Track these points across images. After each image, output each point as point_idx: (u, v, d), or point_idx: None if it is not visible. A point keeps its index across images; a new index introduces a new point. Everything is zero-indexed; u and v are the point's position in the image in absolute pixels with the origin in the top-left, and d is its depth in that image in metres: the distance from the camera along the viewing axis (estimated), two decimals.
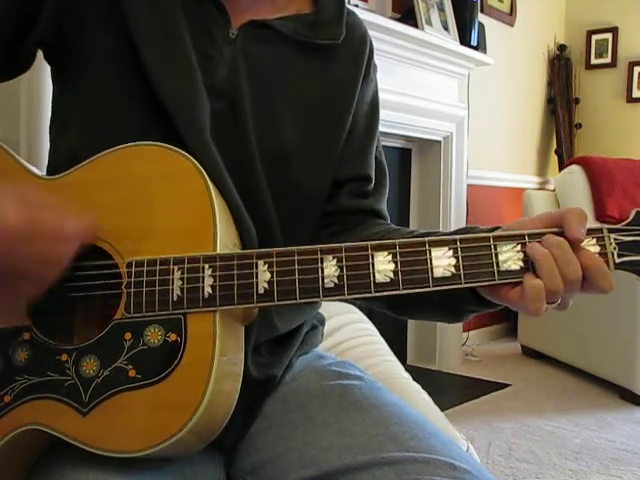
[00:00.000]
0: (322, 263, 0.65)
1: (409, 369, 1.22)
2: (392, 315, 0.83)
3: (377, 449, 0.71)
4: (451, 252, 0.65)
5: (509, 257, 0.64)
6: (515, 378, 3.14)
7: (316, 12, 0.87)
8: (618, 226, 0.65)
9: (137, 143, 0.71)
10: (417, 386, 1.13)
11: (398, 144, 3.29)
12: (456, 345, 3.43)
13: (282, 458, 0.75)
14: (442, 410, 1.09)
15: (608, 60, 4.41)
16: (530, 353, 3.53)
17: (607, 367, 2.95)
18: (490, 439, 2.38)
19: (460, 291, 0.71)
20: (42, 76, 1.67)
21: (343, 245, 0.66)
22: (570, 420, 2.59)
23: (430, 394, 1.11)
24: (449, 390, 3.08)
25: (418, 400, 1.06)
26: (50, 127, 0.86)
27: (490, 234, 0.65)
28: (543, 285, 0.63)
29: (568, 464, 2.18)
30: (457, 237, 0.65)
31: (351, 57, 0.88)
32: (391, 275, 0.65)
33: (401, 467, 0.68)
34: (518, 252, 0.64)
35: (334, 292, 0.65)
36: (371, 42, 0.92)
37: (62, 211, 0.65)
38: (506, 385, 3.04)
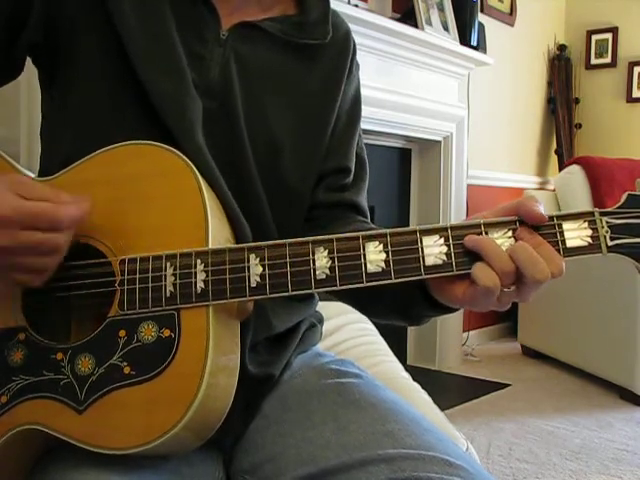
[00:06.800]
0: (313, 255, 0.65)
1: (409, 369, 1.22)
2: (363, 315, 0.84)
3: (373, 446, 0.71)
4: (442, 240, 0.64)
5: (501, 243, 0.64)
6: (515, 378, 3.14)
7: (302, 13, 0.89)
8: (610, 209, 0.64)
9: (130, 142, 0.71)
10: (417, 386, 1.13)
11: (398, 144, 3.29)
12: (456, 345, 3.43)
13: (280, 456, 0.75)
14: (442, 410, 1.08)
15: (608, 60, 4.41)
16: (530, 353, 3.53)
17: (607, 367, 2.95)
18: (490, 439, 2.38)
19: (413, 297, 0.71)
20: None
21: (334, 236, 0.66)
22: (570, 420, 2.59)
23: (430, 394, 1.11)
24: (449, 390, 3.08)
25: (418, 400, 1.06)
26: (41, 131, 0.86)
27: (481, 220, 0.65)
28: (495, 276, 0.62)
29: (568, 464, 2.18)
30: (448, 224, 0.65)
31: (336, 56, 0.90)
32: (383, 265, 0.64)
33: (396, 464, 0.68)
34: (509, 238, 0.64)
35: (326, 283, 0.65)
36: (354, 40, 0.95)
37: (55, 199, 0.65)
38: (506, 385, 3.04)
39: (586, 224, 0.64)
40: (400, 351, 3.28)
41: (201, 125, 0.77)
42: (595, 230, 0.64)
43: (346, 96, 0.91)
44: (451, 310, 0.71)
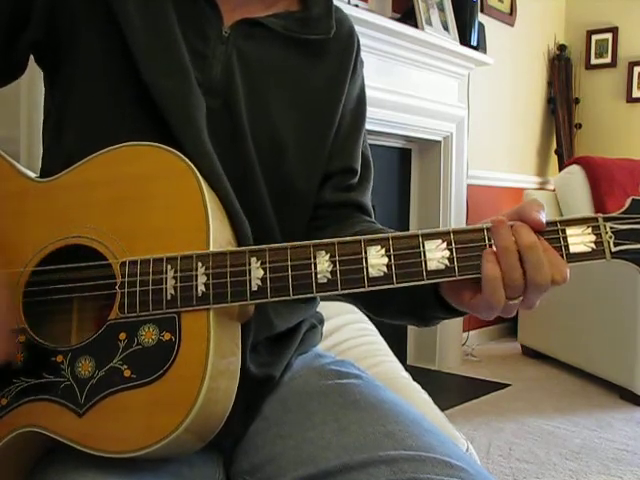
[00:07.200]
0: (315, 259, 0.65)
1: (409, 369, 1.22)
2: (372, 316, 0.84)
3: (374, 447, 0.71)
4: (444, 244, 0.64)
5: None
6: (515, 378, 3.14)
7: (305, 9, 0.89)
8: (614, 214, 0.64)
9: (131, 143, 0.71)
10: (417, 386, 1.13)
11: (398, 144, 3.29)
12: (456, 345, 3.43)
13: (280, 457, 0.75)
14: (442, 410, 1.08)
15: (608, 60, 4.40)
16: (530, 353, 3.53)
17: (607, 367, 2.95)
18: (490, 439, 2.38)
19: (427, 299, 0.71)
20: (42, 75, 1.67)
21: (336, 240, 0.65)
22: (570, 420, 2.58)
23: (430, 394, 1.11)
24: (449, 390, 3.07)
25: (418, 400, 1.06)
26: (43, 130, 0.86)
27: (484, 225, 0.64)
28: (500, 275, 0.62)
29: (568, 464, 2.18)
30: (451, 229, 0.64)
31: (340, 52, 0.90)
32: (385, 269, 0.64)
33: (397, 465, 0.68)
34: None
35: (328, 287, 0.64)
36: (358, 37, 0.94)
37: None
38: (506, 385, 3.03)
39: (590, 230, 0.63)
40: (400, 351, 3.28)
41: (205, 123, 0.77)
42: (599, 236, 0.63)
43: (350, 95, 0.91)
44: (462, 313, 0.71)
